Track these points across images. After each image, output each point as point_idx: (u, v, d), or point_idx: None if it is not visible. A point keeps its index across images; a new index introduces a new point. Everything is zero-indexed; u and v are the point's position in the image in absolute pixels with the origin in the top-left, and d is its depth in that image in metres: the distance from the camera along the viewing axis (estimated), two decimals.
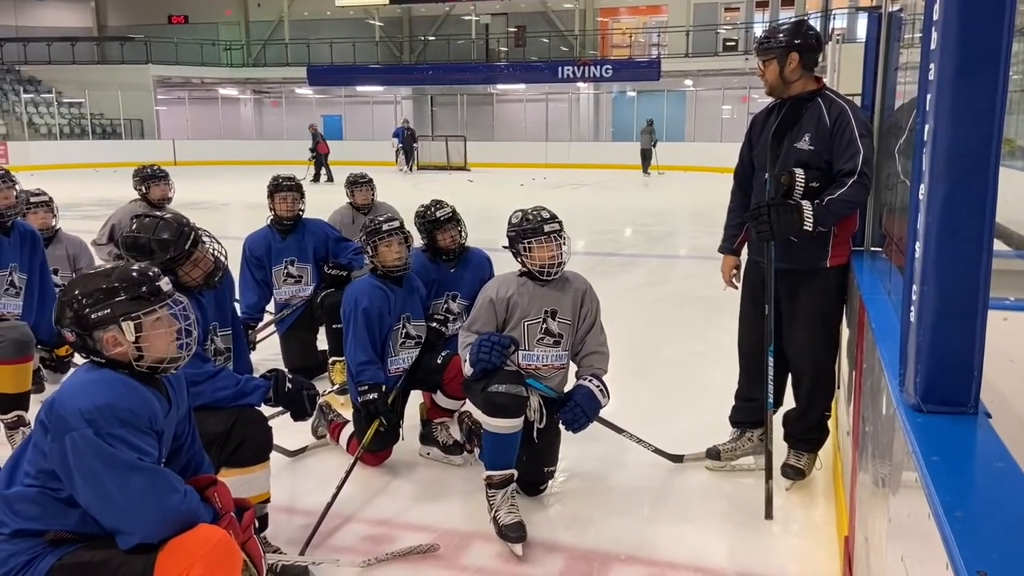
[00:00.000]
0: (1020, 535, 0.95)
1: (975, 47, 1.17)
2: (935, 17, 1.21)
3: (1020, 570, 0.88)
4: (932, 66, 1.23)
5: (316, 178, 18.92)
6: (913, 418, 1.27)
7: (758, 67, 2.95)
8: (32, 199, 4.26)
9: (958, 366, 1.25)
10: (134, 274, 1.92)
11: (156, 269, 1.99)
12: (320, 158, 19.57)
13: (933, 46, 1.22)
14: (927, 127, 1.24)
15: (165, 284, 1.95)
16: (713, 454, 3.24)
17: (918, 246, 1.27)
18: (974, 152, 1.19)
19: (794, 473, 3.07)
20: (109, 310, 1.85)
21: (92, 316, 1.85)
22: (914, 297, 1.29)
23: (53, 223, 4.35)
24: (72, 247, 4.43)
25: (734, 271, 3.22)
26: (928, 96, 1.24)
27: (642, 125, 21.11)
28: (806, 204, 2.74)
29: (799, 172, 2.79)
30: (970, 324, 1.23)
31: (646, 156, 20.59)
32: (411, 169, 22.10)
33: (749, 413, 3.20)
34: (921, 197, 1.26)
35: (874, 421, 1.84)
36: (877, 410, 1.78)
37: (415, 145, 22.77)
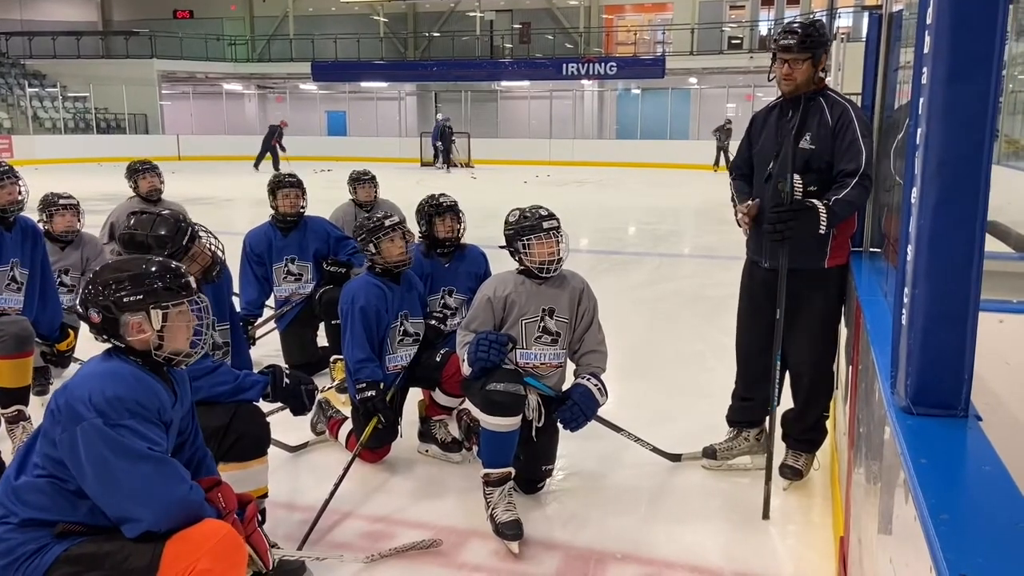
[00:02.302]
0: (1005, 538, 0.95)
1: (967, 52, 1.17)
2: (928, 21, 1.21)
3: (1003, 573, 0.88)
4: (925, 70, 1.23)
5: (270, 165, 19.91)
6: (903, 420, 1.27)
7: (783, 65, 2.84)
8: (60, 201, 4.30)
9: (948, 369, 1.26)
10: (168, 266, 2.03)
11: (183, 266, 2.08)
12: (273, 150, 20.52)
13: (926, 50, 1.22)
14: (919, 131, 1.24)
15: (192, 281, 2.05)
16: (709, 453, 3.25)
17: (910, 249, 1.27)
18: (965, 156, 1.19)
19: (792, 473, 3.08)
20: (142, 296, 1.94)
21: (125, 299, 1.93)
22: (905, 300, 1.29)
23: (78, 226, 4.38)
24: (88, 250, 4.45)
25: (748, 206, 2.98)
26: (921, 100, 1.24)
27: (642, 122, 20.93)
28: (819, 205, 2.72)
29: (796, 178, 2.75)
30: (960, 327, 1.24)
31: (723, 152, 20.30)
32: (447, 168, 21.53)
33: (746, 413, 3.21)
34: (913, 200, 1.26)
35: (868, 422, 1.85)
36: (871, 411, 1.78)
37: (452, 141, 22.09)
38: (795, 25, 2.90)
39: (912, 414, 1.28)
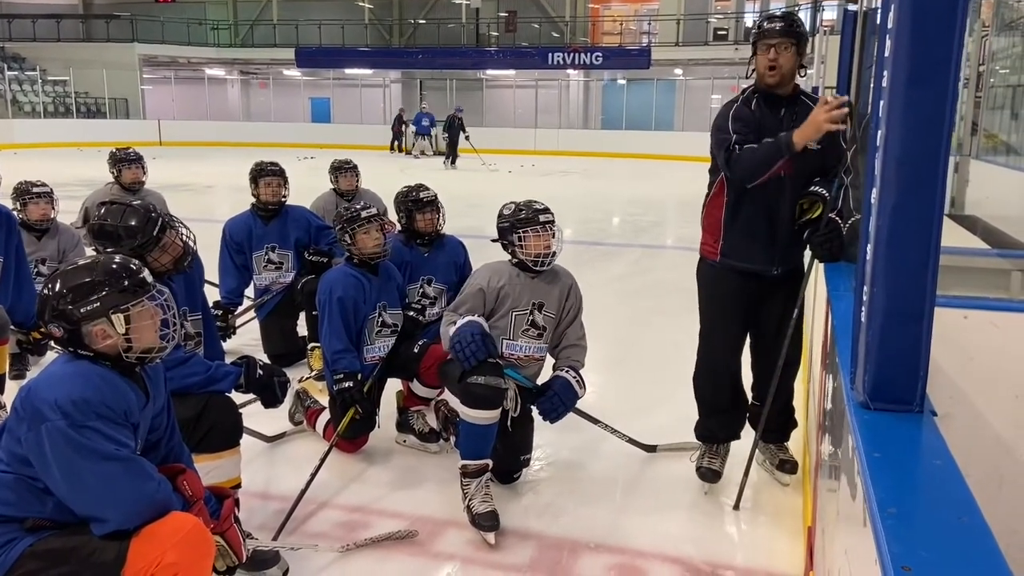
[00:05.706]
0: (948, 532, 0.98)
1: (926, 55, 1.19)
2: (889, 25, 1.23)
3: (945, 566, 0.91)
4: (886, 73, 1.25)
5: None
6: (860, 415, 1.30)
7: (767, 52, 2.68)
8: (33, 190, 4.26)
9: (905, 366, 1.29)
10: (119, 266, 1.93)
11: (136, 261, 2.01)
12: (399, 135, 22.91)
13: (887, 53, 1.25)
14: (879, 133, 1.26)
15: (148, 275, 1.97)
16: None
17: (869, 248, 1.30)
18: (923, 158, 1.22)
19: (792, 467, 3.06)
20: (98, 303, 1.86)
21: (81, 311, 1.86)
22: (865, 298, 1.32)
23: (53, 215, 4.34)
24: (65, 241, 4.40)
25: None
26: (881, 102, 1.27)
27: (627, 113, 20.63)
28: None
29: (825, 194, 2.65)
30: (917, 325, 1.27)
31: None
32: (452, 161, 19.56)
33: (727, 425, 3.08)
34: (873, 201, 1.29)
35: (832, 416, 1.88)
36: (835, 406, 1.82)
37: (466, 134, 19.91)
38: (778, 13, 2.84)
39: (869, 409, 1.31)
